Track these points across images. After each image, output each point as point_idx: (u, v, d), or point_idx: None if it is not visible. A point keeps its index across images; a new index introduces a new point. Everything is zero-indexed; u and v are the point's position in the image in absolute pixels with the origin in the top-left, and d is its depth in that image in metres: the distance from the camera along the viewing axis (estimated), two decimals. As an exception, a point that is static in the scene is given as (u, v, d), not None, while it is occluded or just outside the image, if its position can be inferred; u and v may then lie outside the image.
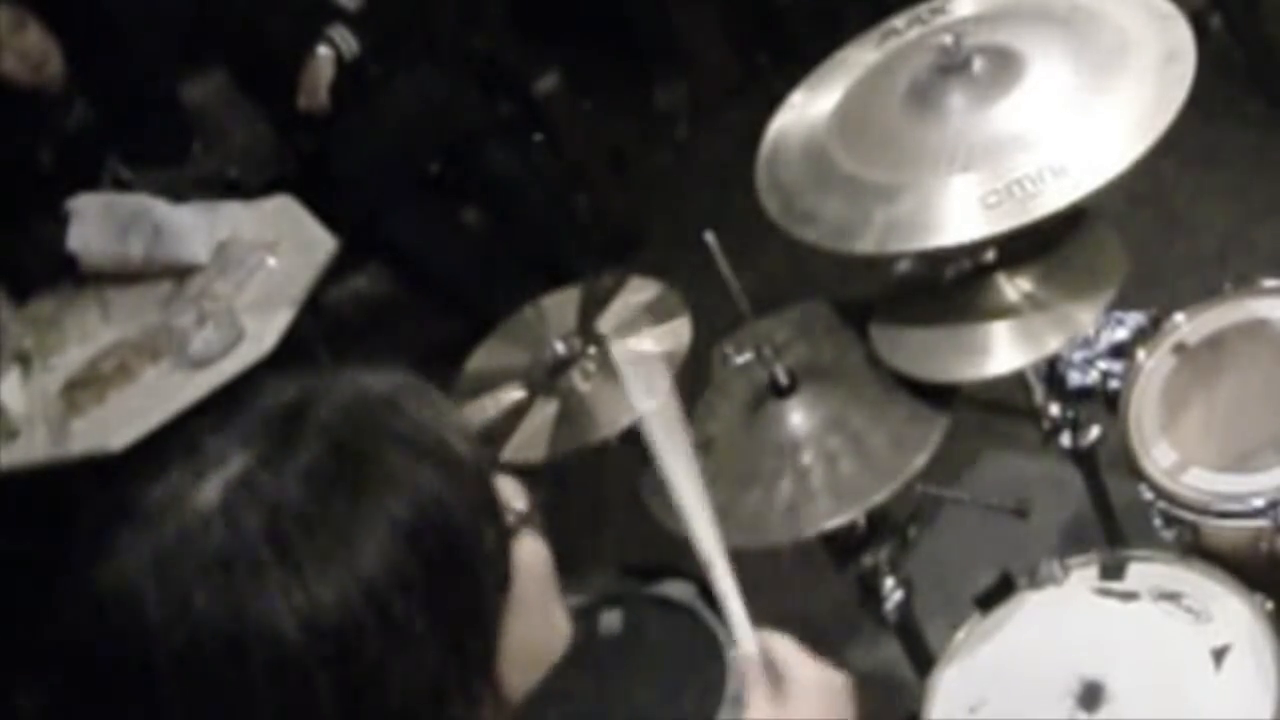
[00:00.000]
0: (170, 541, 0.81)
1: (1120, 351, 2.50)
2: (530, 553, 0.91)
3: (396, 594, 0.81)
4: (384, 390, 0.89)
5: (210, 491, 0.82)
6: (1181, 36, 1.69)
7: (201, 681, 0.79)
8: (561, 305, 2.08)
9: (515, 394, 1.95)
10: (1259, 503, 1.67)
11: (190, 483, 0.83)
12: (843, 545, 1.85)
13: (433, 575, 0.82)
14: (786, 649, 1.06)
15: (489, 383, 2.00)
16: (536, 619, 0.91)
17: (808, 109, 1.90)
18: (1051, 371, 2.00)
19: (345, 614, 0.79)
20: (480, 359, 2.08)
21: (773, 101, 1.95)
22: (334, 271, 2.94)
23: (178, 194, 3.18)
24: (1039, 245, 1.80)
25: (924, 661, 1.87)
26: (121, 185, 3.23)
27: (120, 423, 2.64)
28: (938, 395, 1.78)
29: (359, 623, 0.79)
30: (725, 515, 1.72)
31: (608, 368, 1.93)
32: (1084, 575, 1.74)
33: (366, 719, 0.80)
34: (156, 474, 0.85)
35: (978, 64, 1.75)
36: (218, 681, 0.79)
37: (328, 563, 0.80)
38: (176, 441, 0.87)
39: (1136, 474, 1.78)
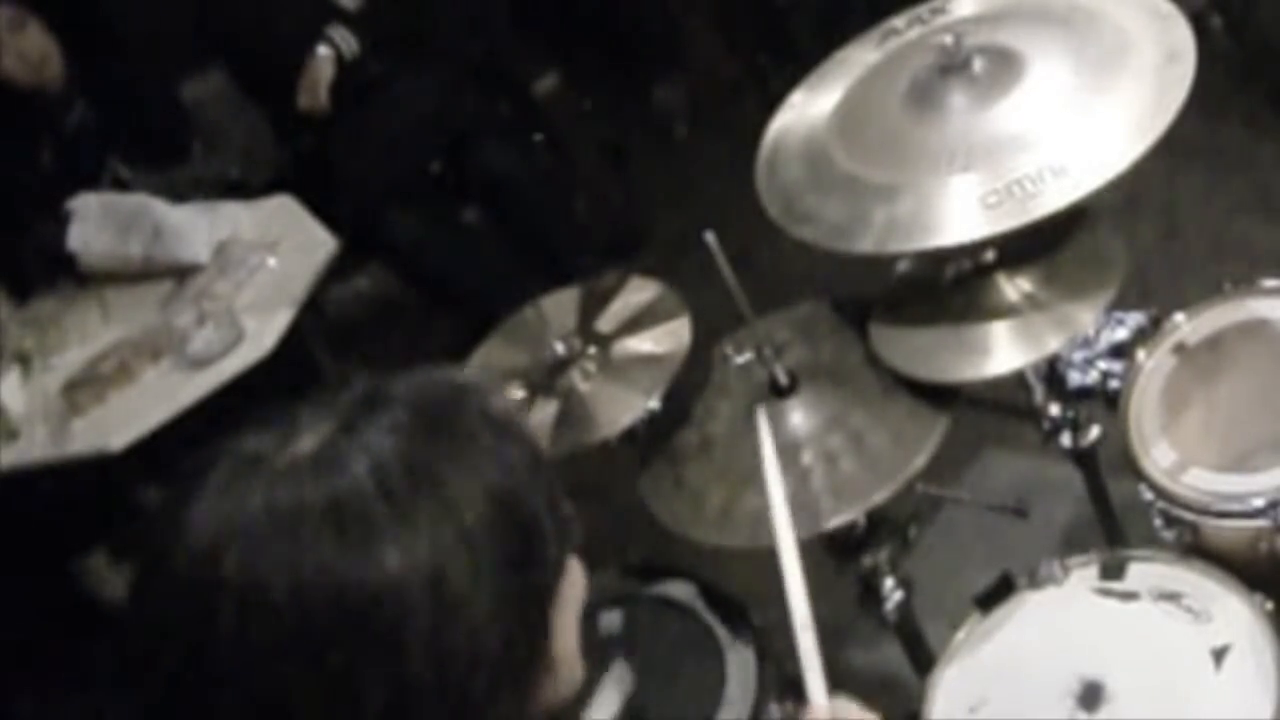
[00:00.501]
0: (270, 488, 0.82)
1: (1120, 351, 2.50)
2: (574, 565, 0.93)
3: (487, 550, 0.82)
4: (458, 376, 0.93)
5: (308, 442, 0.83)
6: (1181, 36, 1.69)
7: (295, 630, 0.79)
8: (561, 305, 2.08)
9: (515, 394, 1.95)
10: (1259, 503, 1.67)
11: (283, 439, 0.84)
12: (843, 545, 1.85)
13: (512, 541, 0.84)
14: (853, 711, 1.12)
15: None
16: (567, 634, 0.92)
17: (808, 109, 1.90)
18: (1051, 371, 2.00)
19: (445, 562, 0.81)
20: (480, 359, 2.08)
21: (773, 101, 1.95)
22: (334, 271, 2.94)
23: (178, 194, 3.18)
24: (1039, 245, 1.80)
25: (924, 661, 1.87)
26: (121, 185, 3.23)
27: (120, 423, 2.63)
28: (938, 395, 1.78)
29: (453, 574, 0.81)
30: (725, 515, 1.74)
31: (608, 368, 1.94)
32: (1084, 575, 1.74)
33: (443, 673, 0.81)
34: (238, 438, 0.86)
35: (978, 64, 1.75)
36: (312, 629, 0.79)
37: (431, 510, 0.81)
38: (250, 420, 0.88)
39: (1136, 474, 1.78)
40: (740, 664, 1.83)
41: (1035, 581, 1.75)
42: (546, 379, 1.94)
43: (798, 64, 2.02)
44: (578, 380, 1.92)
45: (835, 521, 1.70)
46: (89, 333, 2.96)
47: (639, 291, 2.03)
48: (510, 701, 0.85)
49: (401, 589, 0.79)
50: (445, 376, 0.91)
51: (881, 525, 1.84)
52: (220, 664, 0.80)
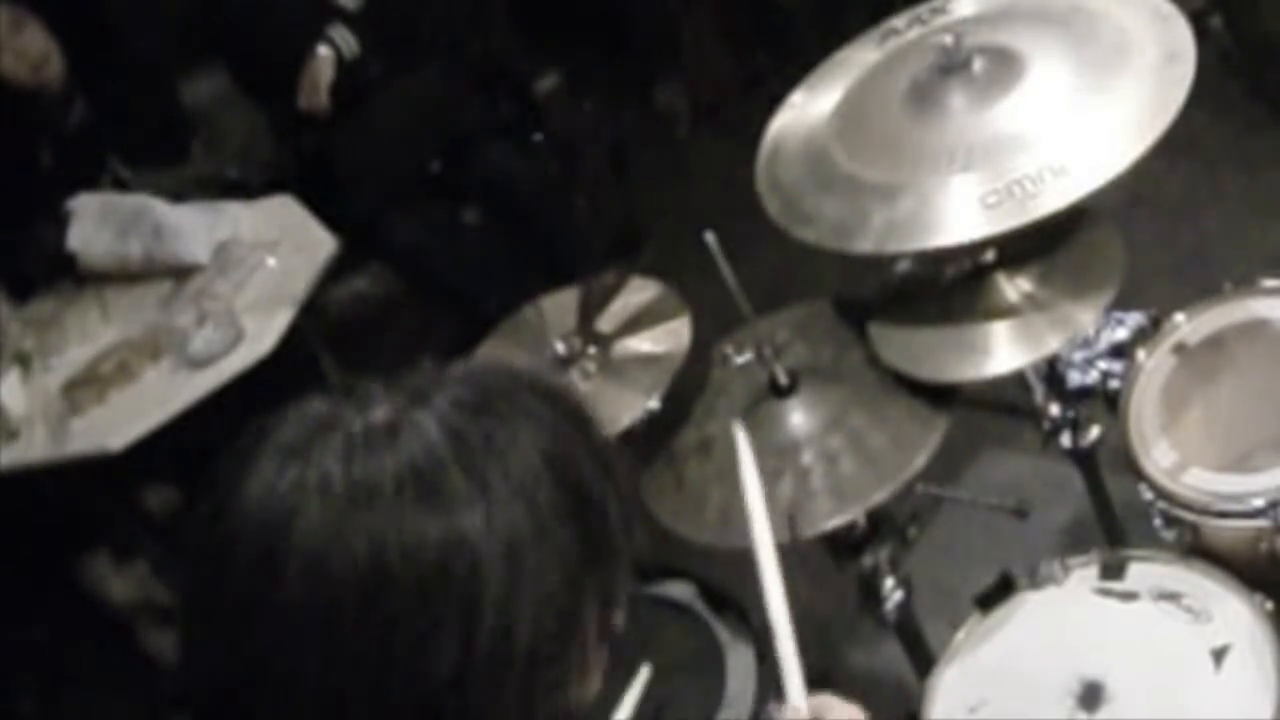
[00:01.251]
0: (347, 451, 0.82)
1: (1120, 351, 2.50)
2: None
3: (554, 524, 0.84)
4: (520, 362, 0.93)
5: (381, 412, 0.85)
6: (1181, 36, 1.69)
7: (370, 593, 0.79)
8: (561, 305, 2.08)
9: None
10: (1259, 503, 1.67)
11: (356, 406, 0.85)
12: (843, 545, 1.85)
13: (576, 519, 0.85)
14: (835, 708, 1.13)
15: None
16: (605, 632, 0.92)
17: (808, 109, 1.90)
18: (1051, 371, 2.00)
19: (517, 529, 0.82)
20: (480, 359, 2.08)
21: (773, 101, 1.95)
22: (334, 271, 2.94)
23: (178, 194, 3.18)
24: (1039, 245, 1.80)
25: (924, 661, 1.87)
26: (121, 185, 3.23)
27: (120, 423, 2.63)
28: (938, 395, 1.78)
29: (524, 541, 0.82)
30: (725, 515, 1.74)
31: (608, 368, 1.94)
32: (1084, 575, 1.74)
33: (509, 641, 0.81)
34: (304, 403, 0.88)
35: (978, 64, 1.75)
36: (388, 591, 0.79)
37: (504, 480, 0.83)
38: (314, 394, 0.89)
39: (1136, 474, 1.78)
40: (740, 664, 1.83)
41: (1035, 581, 1.75)
42: (546, 379, 1.93)
43: (798, 64, 2.02)
44: (578, 380, 1.92)
45: (835, 521, 1.70)
46: (89, 333, 2.96)
47: (639, 291, 2.03)
48: (547, 691, 0.85)
49: (479, 552, 0.80)
50: (506, 362, 0.93)
51: (881, 525, 1.84)
52: (283, 627, 0.80)
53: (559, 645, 0.85)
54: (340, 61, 3.34)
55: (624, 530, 0.90)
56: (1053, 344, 1.75)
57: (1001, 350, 1.76)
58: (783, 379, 1.81)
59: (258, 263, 2.90)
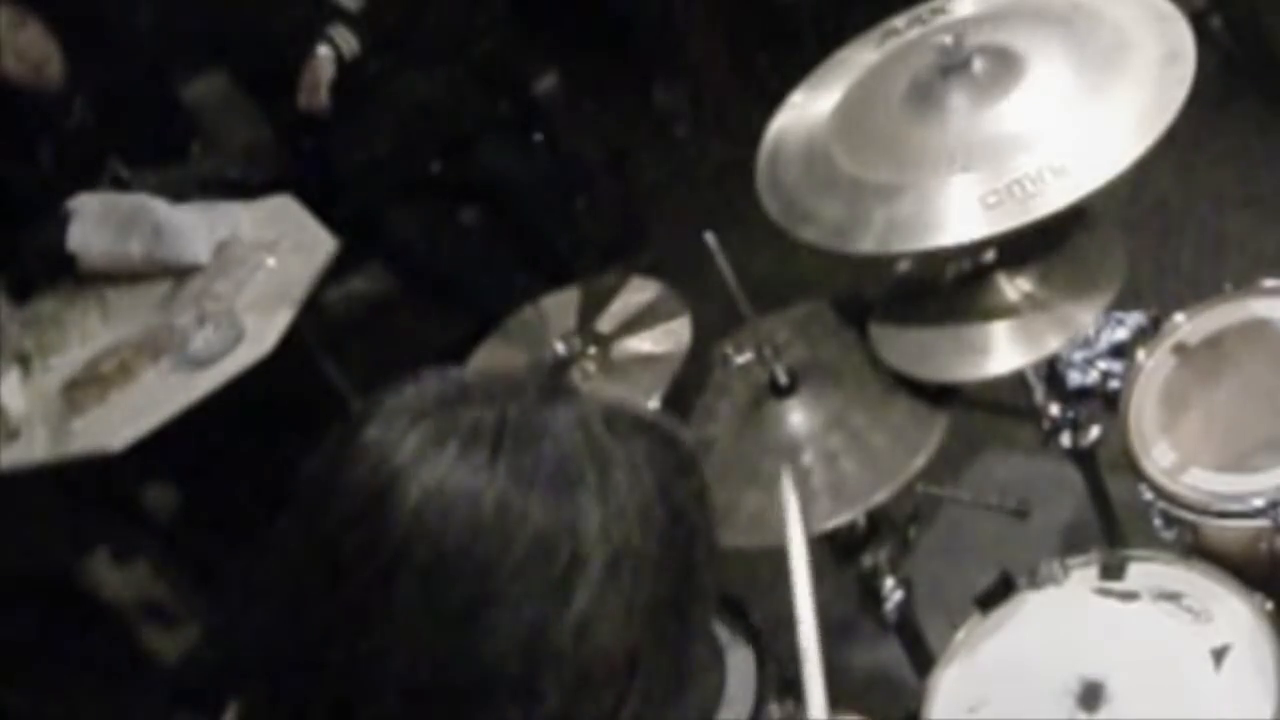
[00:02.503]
0: (472, 428, 0.84)
1: (1120, 351, 2.50)
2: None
3: (654, 536, 0.85)
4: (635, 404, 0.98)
5: (520, 399, 0.86)
6: (1181, 36, 1.69)
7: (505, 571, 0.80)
8: (561, 305, 2.08)
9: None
10: (1259, 503, 1.67)
11: (488, 393, 0.87)
12: (843, 545, 1.85)
13: (675, 539, 0.87)
14: None
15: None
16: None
17: (808, 109, 1.90)
18: (1051, 371, 2.00)
19: (630, 539, 0.84)
20: (480, 359, 2.08)
21: (773, 101, 1.95)
22: (334, 271, 2.94)
23: (178, 194, 3.18)
24: (1039, 245, 1.80)
25: (924, 661, 1.87)
26: (121, 185, 3.23)
27: (120, 423, 2.64)
28: (938, 395, 1.78)
29: (630, 550, 0.84)
30: (725, 516, 1.74)
31: (608, 367, 1.94)
32: (1084, 575, 1.74)
33: (584, 641, 0.82)
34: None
35: (978, 64, 1.75)
36: (489, 553, 0.80)
37: (626, 485, 0.85)
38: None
39: (1136, 474, 1.78)
40: (740, 664, 1.83)
41: (1035, 581, 1.75)
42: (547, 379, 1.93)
43: (798, 64, 2.02)
44: (578, 380, 1.92)
45: (835, 521, 1.70)
46: (89, 333, 2.96)
47: (639, 291, 2.03)
48: (602, 706, 0.85)
49: (587, 548, 0.82)
50: (630, 401, 0.96)
51: (881, 525, 1.84)
52: (379, 575, 0.81)
53: (629, 666, 0.85)
54: (340, 61, 3.34)
55: (712, 571, 0.91)
56: (1053, 344, 1.75)
57: (1001, 350, 1.76)
58: (783, 379, 1.81)
59: (258, 263, 2.90)
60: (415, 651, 0.81)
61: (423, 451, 0.83)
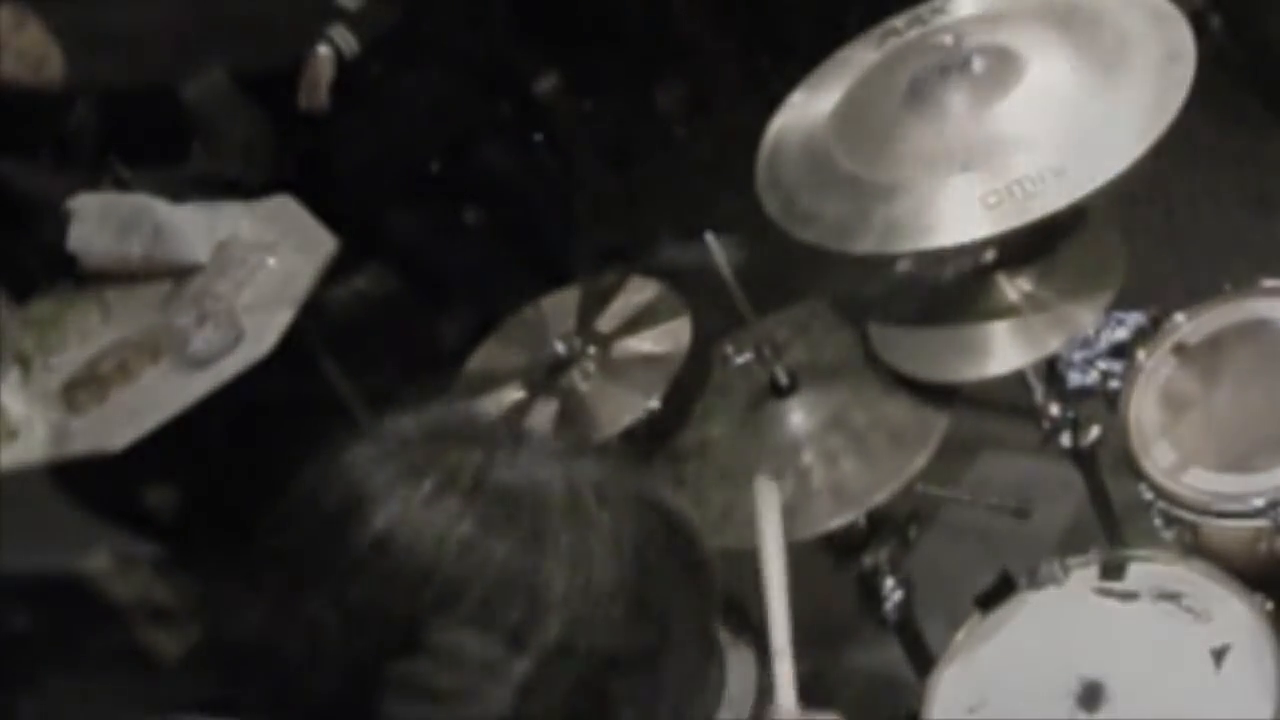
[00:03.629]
0: (459, 464, 0.85)
1: (1120, 351, 2.50)
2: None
3: (626, 619, 0.85)
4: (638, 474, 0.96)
5: (511, 442, 0.87)
6: (1181, 36, 1.69)
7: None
8: (561, 305, 2.08)
9: (515, 394, 1.95)
10: (1259, 503, 1.67)
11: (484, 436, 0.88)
12: (843, 545, 1.85)
13: (639, 618, 0.86)
14: None
15: (489, 383, 2.00)
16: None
17: (808, 109, 1.90)
18: (1051, 371, 2.00)
19: (607, 601, 0.84)
20: (480, 359, 2.08)
21: (773, 101, 1.95)
22: (334, 271, 2.94)
23: (178, 194, 3.18)
24: (1039, 245, 1.80)
25: (924, 661, 1.87)
26: (121, 185, 3.23)
27: (120, 423, 2.63)
28: (938, 395, 1.78)
29: (586, 621, 0.84)
30: (725, 516, 1.74)
31: (608, 367, 1.94)
32: (1084, 575, 1.74)
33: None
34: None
35: (978, 64, 1.75)
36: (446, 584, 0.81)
37: (604, 549, 0.85)
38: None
39: (1136, 474, 1.78)
40: (740, 664, 1.83)
41: (1035, 581, 1.75)
42: (546, 379, 1.94)
43: (798, 64, 2.02)
44: (578, 380, 1.92)
45: (835, 521, 1.70)
46: (89, 333, 2.96)
47: (639, 291, 2.03)
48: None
49: (550, 604, 0.82)
50: (632, 470, 0.96)
51: (881, 525, 1.84)
52: (337, 585, 0.82)
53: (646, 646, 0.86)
54: (340, 61, 3.34)
55: (695, 648, 0.91)
56: (1053, 344, 1.75)
57: (1001, 350, 1.76)
58: (783, 379, 1.82)
59: (258, 263, 2.90)
60: (348, 670, 0.82)
61: (394, 483, 0.83)
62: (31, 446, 2.70)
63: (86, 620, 3.00)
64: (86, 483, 2.85)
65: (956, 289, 1.84)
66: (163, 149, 3.42)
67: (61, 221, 3.03)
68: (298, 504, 0.87)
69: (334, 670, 0.82)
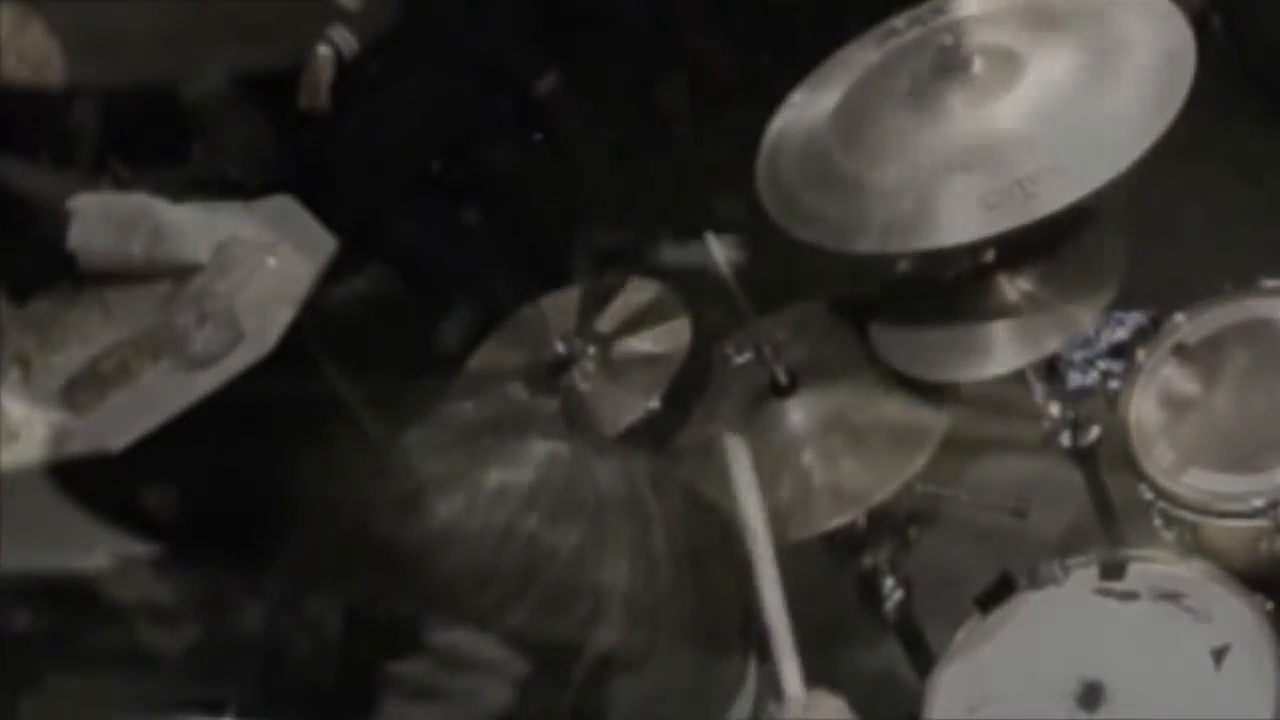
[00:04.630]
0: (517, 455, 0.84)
1: (1120, 351, 2.50)
2: None
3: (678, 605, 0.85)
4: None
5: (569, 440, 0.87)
6: (1181, 36, 1.69)
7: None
8: (561, 305, 2.08)
9: (515, 394, 1.95)
10: (1259, 503, 1.67)
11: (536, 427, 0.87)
12: (843, 545, 1.85)
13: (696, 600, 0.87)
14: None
15: (489, 383, 2.00)
16: None
17: (808, 109, 1.90)
18: (1051, 371, 2.00)
19: (647, 596, 0.84)
20: (480, 359, 2.08)
21: (773, 101, 1.95)
22: (334, 271, 2.94)
23: (178, 194, 3.18)
24: (1039, 245, 1.80)
25: (924, 661, 1.87)
26: (121, 185, 3.23)
27: (120, 423, 2.63)
28: (938, 395, 1.78)
29: (648, 607, 0.84)
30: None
31: (608, 367, 1.94)
32: (1084, 575, 1.74)
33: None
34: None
35: (978, 64, 1.75)
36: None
37: (664, 537, 0.85)
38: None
39: (1136, 474, 1.78)
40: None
41: (1035, 581, 1.75)
42: (546, 379, 1.94)
43: (798, 64, 2.02)
44: (578, 380, 1.92)
45: (835, 521, 1.70)
46: (89, 333, 2.95)
47: (639, 291, 2.04)
48: None
49: (616, 595, 0.82)
50: (670, 469, 0.97)
51: (881, 525, 1.84)
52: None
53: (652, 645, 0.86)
54: (340, 61, 3.34)
55: (743, 639, 0.94)
56: (1053, 344, 1.75)
57: (1001, 350, 1.76)
58: (783, 379, 1.82)
59: (258, 263, 2.90)
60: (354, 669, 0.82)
61: (461, 472, 0.83)
62: (31, 446, 2.70)
63: (86, 620, 3.00)
64: (86, 483, 2.85)
65: (956, 289, 1.83)
66: (163, 149, 3.42)
67: (61, 221, 3.03)
68: (324, 502, 0.87)
69: (339, 669, 0.82)
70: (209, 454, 2.97)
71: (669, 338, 1.93)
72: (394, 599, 0.81)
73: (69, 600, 3.03)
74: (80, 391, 2.74)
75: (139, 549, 3.02)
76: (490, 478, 0.82)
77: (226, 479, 3.02)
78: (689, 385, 1.91)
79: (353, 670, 0.82)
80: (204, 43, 3.44)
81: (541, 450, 0.84)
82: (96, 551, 3.00)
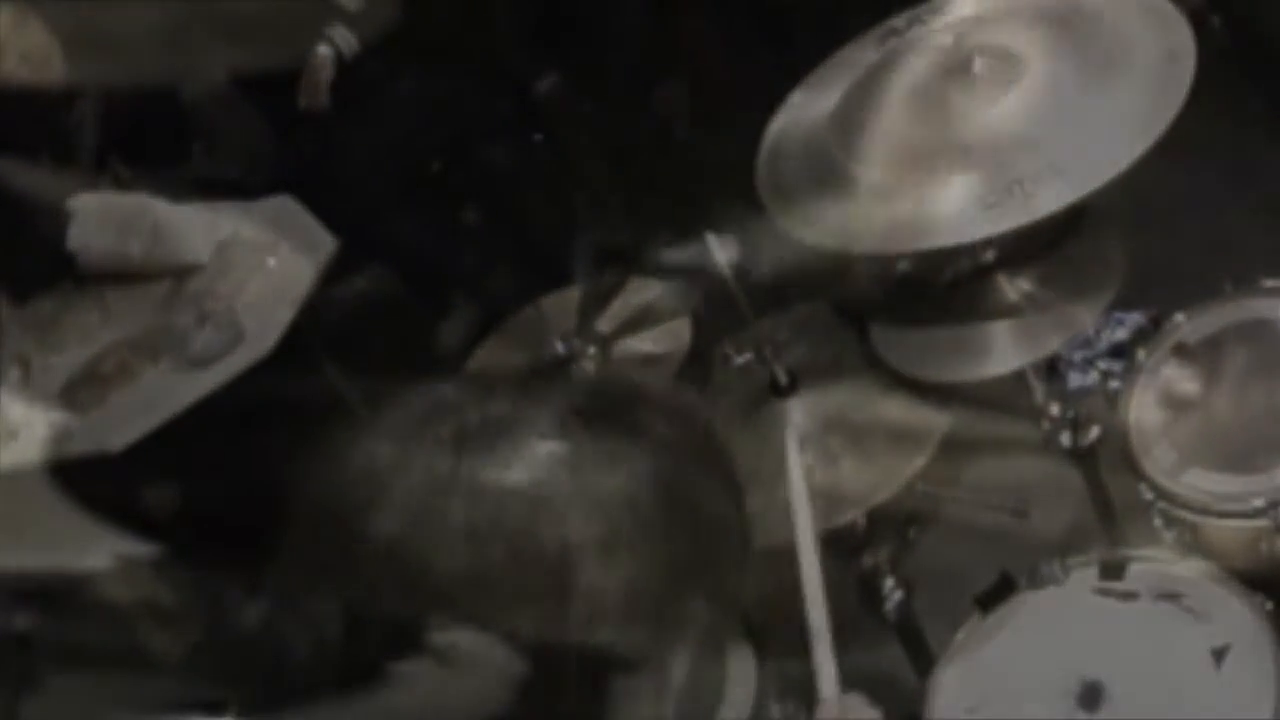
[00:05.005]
0: (458, 439, 0.85)
1: (1120, 351, 2.50)
2: None
3: (659, 530, 0.85)
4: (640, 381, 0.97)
5: (498, 406, 0.88)
6: (1181, 36, 1.69)
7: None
8: (561, 305, 2.08)
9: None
10: (1259, 503, 1.67)
11: (475, 398, 0.89)
12: (843, 545, 1.85)
13: (680, 524, 0.87)
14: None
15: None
16: None
17: (808, 109, 1.90)
18: (1051, 371, 2.00)
19: (621, 530, 0.84)
20: (480, 359, 2.08)
21: (773, 101, 1.95)
22: (334, 271, 2.94)
23: (178, 194, 3.17)
24: (1039, 245, 1.80)
25: (924, 661, 1.87)
26: (121, 185, 3.23)
27: (120, 423, 2.63)
28: (938, 395, 1.78)
29: (623, 541, 0.84)
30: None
31: (608, 367, 1.93)
32: (1084, 575, 1.74)
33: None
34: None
35: (978, 64, 1.75)
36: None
37: (610, 479, 0.86)
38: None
39: (1136, 474, 1.78)
40: (740, 664, 1.83)
41: (1035, 581, 1.75)
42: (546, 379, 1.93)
43: (798, 64, 2.02)
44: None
45: (835, 521, 1.70)
46: (89, 333, 2.95)
47: (639, 291, 2.04)
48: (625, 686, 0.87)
49: (573, 547, 0.82)
50: (633, 379, 0.96)
51: (881, 525, 1.84)
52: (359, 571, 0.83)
53: (652, 643, 0.86)
54: (340, 61, 3.34)
55: (741, 542, 0.92)
56: (1053, 344, 1.75)
57: (1001, 350, 1.76)
58: (783, 379, 1.82)
59: (258, 263, 2.90)
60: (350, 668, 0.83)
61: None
62: (31, 446, 2.70)
63: (86, 620, 3.00)
64: (86, 483, 2.85)
65: (956, 289, 1.83)
66: (163, 149, 3.41)
67: (61, 221, 3.02)
68: (312, 499, 0.87)
69: (339, 669, 0.82)
70: (209, 454, 2.97)
71: (669, 338, 1.93)
72: (394, 599, 0.81)
73: (69, 600, 3.03)
74: (80, 391, 2.73)
75: (139, 549, 3.02)
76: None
77: (226, 479, 3.02)
78: (689, 385, 1.91)
79: (353, 670, 0.82)
80: (204, 43, 3.44)
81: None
82: (96, 551, 3.00)
